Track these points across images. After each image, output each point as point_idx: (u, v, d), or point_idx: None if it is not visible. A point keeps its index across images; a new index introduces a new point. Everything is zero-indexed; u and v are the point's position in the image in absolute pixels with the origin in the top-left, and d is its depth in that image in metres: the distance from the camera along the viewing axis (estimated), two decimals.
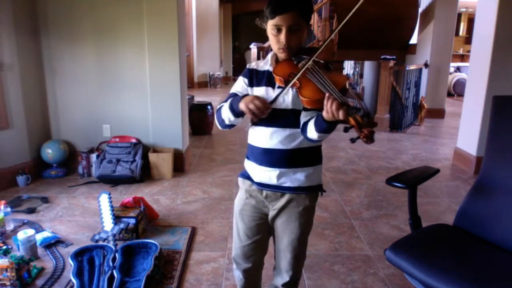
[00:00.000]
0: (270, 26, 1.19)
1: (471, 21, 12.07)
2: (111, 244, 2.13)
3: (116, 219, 2.33)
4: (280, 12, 1.15)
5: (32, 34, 3.34)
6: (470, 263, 1.34)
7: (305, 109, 1.19)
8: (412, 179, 1.57)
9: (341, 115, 0.96)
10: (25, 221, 2.59)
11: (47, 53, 3.45)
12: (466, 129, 3.91)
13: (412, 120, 6.15)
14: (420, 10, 6.58)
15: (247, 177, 1.37)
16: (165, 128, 3.58)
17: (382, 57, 5.64)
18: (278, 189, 1.30)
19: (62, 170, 3.45)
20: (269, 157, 1.28)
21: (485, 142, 1.65)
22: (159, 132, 3.59)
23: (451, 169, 3.91)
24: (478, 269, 1.30)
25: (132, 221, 2.35)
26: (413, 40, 6.96)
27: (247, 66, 1.35)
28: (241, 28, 16.11)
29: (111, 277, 1.89)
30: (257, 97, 1.12)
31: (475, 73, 3.76)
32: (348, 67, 13.06)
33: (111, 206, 2.36)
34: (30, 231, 2.15)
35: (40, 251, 2.22)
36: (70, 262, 1.98)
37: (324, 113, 1.03)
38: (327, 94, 1.02)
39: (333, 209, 2.88)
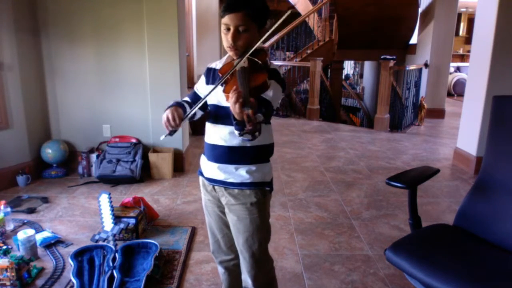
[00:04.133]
0: (222, 24, 1.22)
1: (471, 21, 12.06)
2: (111, 244, 2.13)
3: (116, 219, 2.33)
4: (229, 11, 1.18)
5: (32, 34, 3.34)
6: (470, 263, 1.34)
7: None
8: (412, 179, 1.57)
9: (237, 107, 0.99)
10: (25, 221, 2.59)
11: (47, 53, 3.45)
12: (466, 129, 3.91)
13: (412, 120, 6.16)
14: (420, 10, 6.59)
15: (201, 173, 1.42)
16: (165, 128, 3.57)
17: (382, 57, 5.64)
18: (224, 184, 1.33)
19: (62, 170, 3.45)
20: (213, 152, 1.33)
21: (485, 142, 1.65)
22: (159, 132, 3.58)
23: (451, 169, 3.91)
24: (478, 269, 1.30)
25: (132, 221, 2.35)
26: (413, 40, 6.96)
27: (208, 65, 1.38)
28: None
29: (111, 277, 1.89)
30: (175, 110, 1.21)
31: (475, 73, 3.76)
32: (348, 67, 13.07)
33: (111, 206, 2.36)
34: (30, 231, 2.15)
35: (40, 251, 2.22)
36: (70, 262, 1.98)
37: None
38: (234, 87, 1.05)
39: (333, 209, 2.88)
